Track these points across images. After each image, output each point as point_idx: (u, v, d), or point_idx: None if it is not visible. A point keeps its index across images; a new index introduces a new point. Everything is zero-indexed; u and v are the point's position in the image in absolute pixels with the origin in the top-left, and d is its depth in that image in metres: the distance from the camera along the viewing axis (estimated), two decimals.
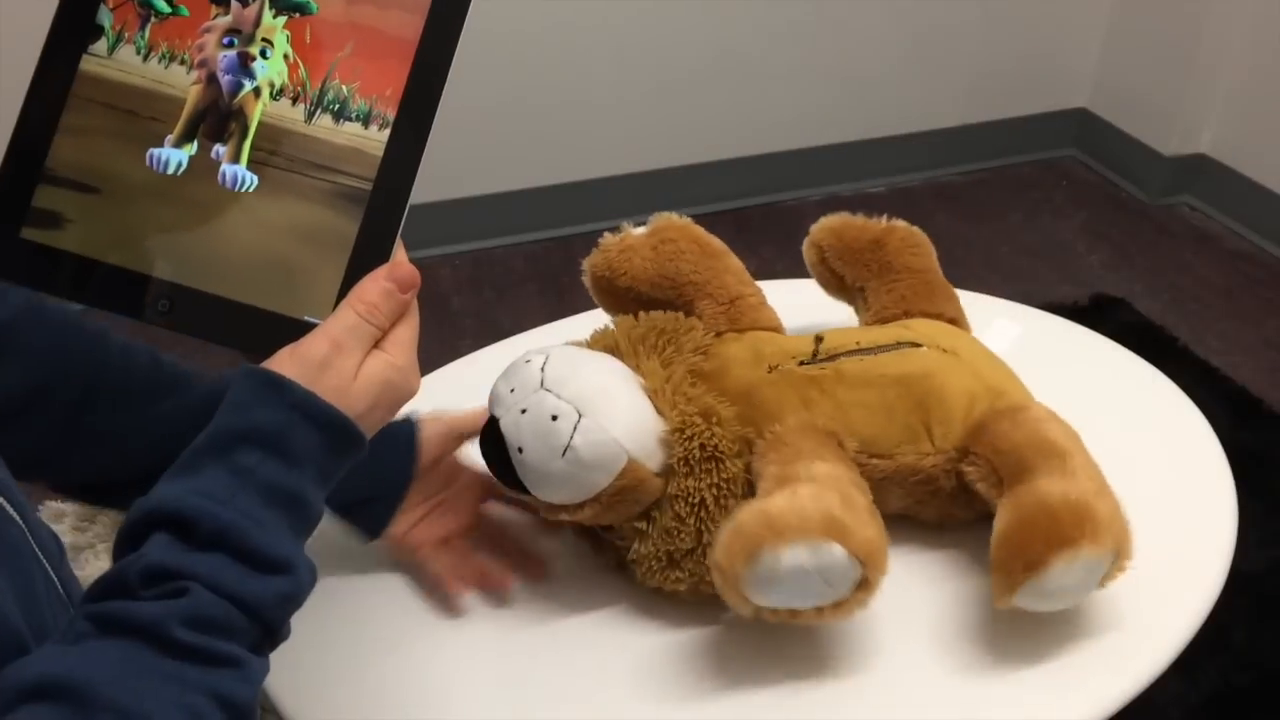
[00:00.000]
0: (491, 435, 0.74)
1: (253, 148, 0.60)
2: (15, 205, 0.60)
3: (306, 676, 0.73)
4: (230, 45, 0.61)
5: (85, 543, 1.62)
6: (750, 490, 0.74)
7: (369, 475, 0.68)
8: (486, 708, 0.74)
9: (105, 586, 0.53)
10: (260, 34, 0.61)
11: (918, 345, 0.81)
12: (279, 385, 0.56)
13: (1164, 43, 2.47)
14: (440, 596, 0.79)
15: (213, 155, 0.60)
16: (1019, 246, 2.42)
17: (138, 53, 0.61)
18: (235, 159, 0.60)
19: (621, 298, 0.87)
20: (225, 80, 0.61)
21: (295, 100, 0.61)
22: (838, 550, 0.66)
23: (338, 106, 0.61)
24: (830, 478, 0.71)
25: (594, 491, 0.72)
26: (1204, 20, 2.37)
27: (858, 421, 0.77)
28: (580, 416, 0.71)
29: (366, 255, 0.60)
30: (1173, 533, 0.79)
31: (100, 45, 0.61)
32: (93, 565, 1.54)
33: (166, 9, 0.61)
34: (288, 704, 0.72)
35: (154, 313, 0.60)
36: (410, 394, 0.61)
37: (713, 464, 0.74)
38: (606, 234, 0.89)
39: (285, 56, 0.61)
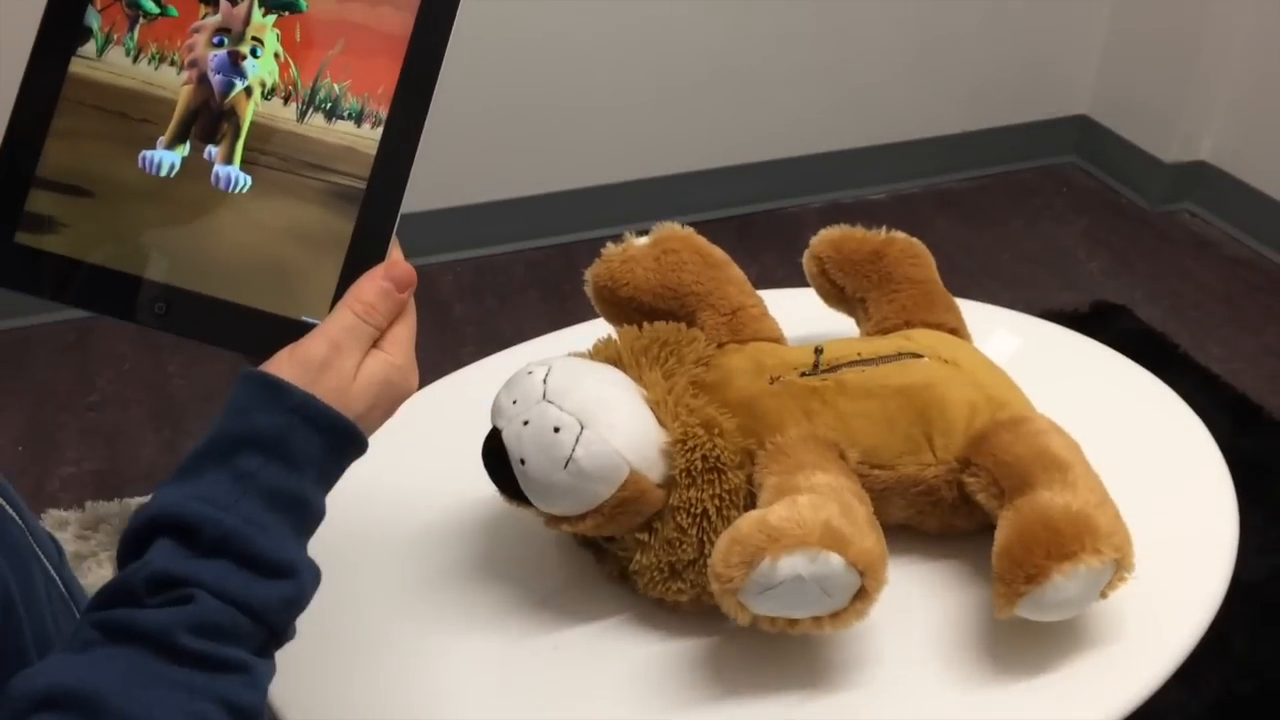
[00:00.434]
0: (494, 447, 0.74)
1: (245, 148, 0.60)
2: (7, 210, 0.60)
3: (308, 686, 0.74)
4: (220, 45, 0.61)
5: (88, 550, 1.62)
6: (752, 501, 0.74)
7: None
8: (489, 717, 0.74)
9: (111, 594, 0.53)
10: (250, 33, 0.61)
11: (919, 356, 0.81)
12: (278, 388, 0.56)
13: (1164, 50, 2.47)
14: (444, 604, 0.79)
15: (205, 156, 0.60)
16: (1020, 253, 2.42)
17: (127, 54, 0.61)
18: (228, 160, 0.60)
19: (624, 308, 0.88)
20: (216, 80, 0.60)
21: (287, 99, 0.60)
22: (836, 560, 0.66)
23: (330, 105, 0.60)
24: (830, 488, 0.71)
25: (596, 503, 0.72)
26: (1204, 28, 2.37)
27: (859, 432, 0.78)
28: (582, 428, 0.71)
29: (362, 254, 0.59)
30: (1174, 542, 0.79)
31: (89, 47, 0.60)
32: (95, 573, 1.54)
33: (155, 9, 0.61)
34: (290, 714, 0.72)
35: (150, 316, 0.60)
36: (409, 392, 0.61)
37: (714, 475, 0.74)
38: (609, 244, 0.89)
39: (276, 55, 0.61)
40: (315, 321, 0.59)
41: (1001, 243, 2.46)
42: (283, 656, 0.57)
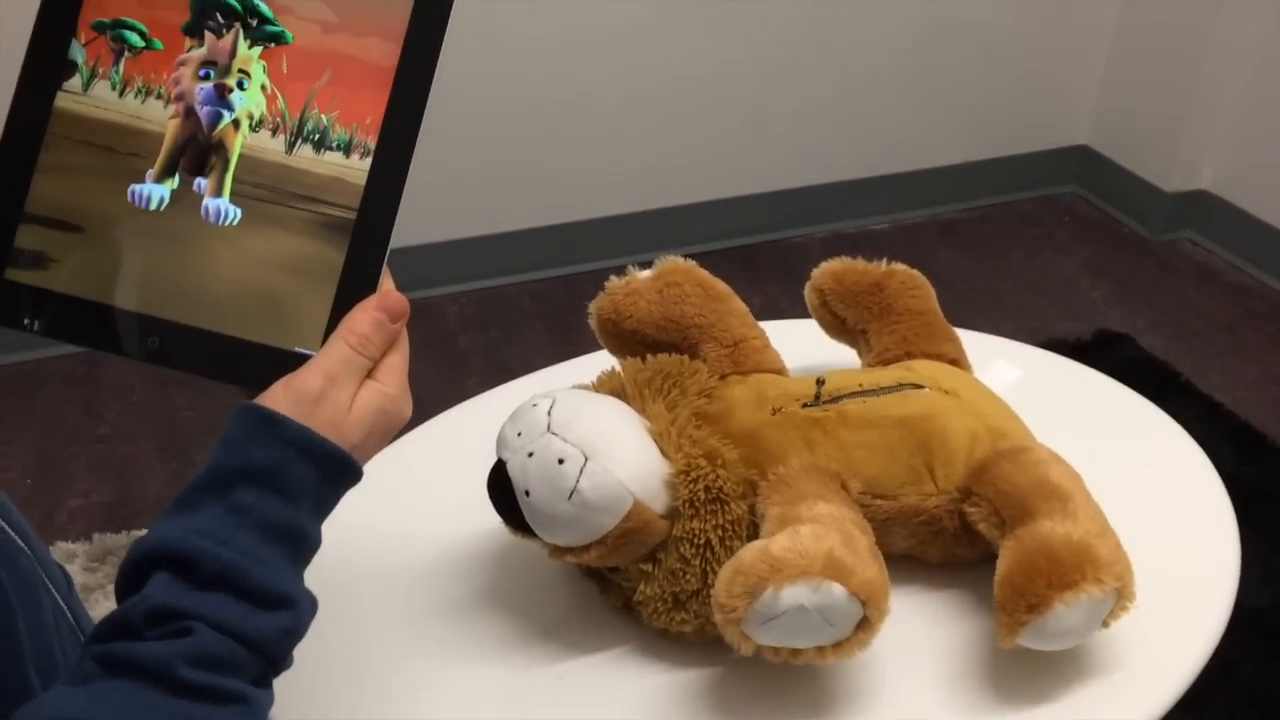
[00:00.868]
0: (498, 478, 0.75)
1: (235, 180, 0.60)
2: None
3: (312, 716, 0.74)
4: (207, 77, 0.61)
5: (95, 583, 1.62)
6: (755, 532, 0.75)
7: None
8: None
9: (110, 627, 0.54)
10: (236, 65, 0.61)
11: (920, 387, 0.82)
12: (273, 421, 0.56)
13: (1164, 80, 2.49)
14: (448, 635, 0.80)
15: (195, 189, 0.60)
16: (1022, 282, 2.43)
17: (113, 88, 0.60)
18: (218, 192, 0.60)
19: (627, 340, 0.89)
20: (203, 112, 0.60)
21: (275, 131, 0.60)
22: (838, 590, 0.66)
23: (318, 136, 0.60)
24: (832, 518, 0.71)
25: (600, 534, 0.73)
26: (1203, 57, 2.39)
27: (861, 463, 0.78)
28: (586, 460, 0.72)
29: (354, 284, 0.60)
30: (1176, 570, 0.79)
31: (75, 82, 0.60)
32: (103, 605, 1.54)
33: (140, 43, 0.61)
34: None
35: (143, 349, 0.60)
36: (403, 420, 0.61)
37: (718, 506, 0.75)
38: (612, 277, 0.90)
39: (263, 87, 0.61)
40: (309, 352, 0.59)
41: (1004, 272, 2.47)
42: (287, 686, 0.57)
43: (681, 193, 2.48)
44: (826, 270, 0.95)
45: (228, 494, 0.55)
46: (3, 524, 0.64)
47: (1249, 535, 0.85)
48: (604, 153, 2.40)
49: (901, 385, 0.82)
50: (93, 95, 0.60)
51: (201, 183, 0.60)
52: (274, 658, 0.55)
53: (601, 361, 0.87)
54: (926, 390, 0.82)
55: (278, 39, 0.61)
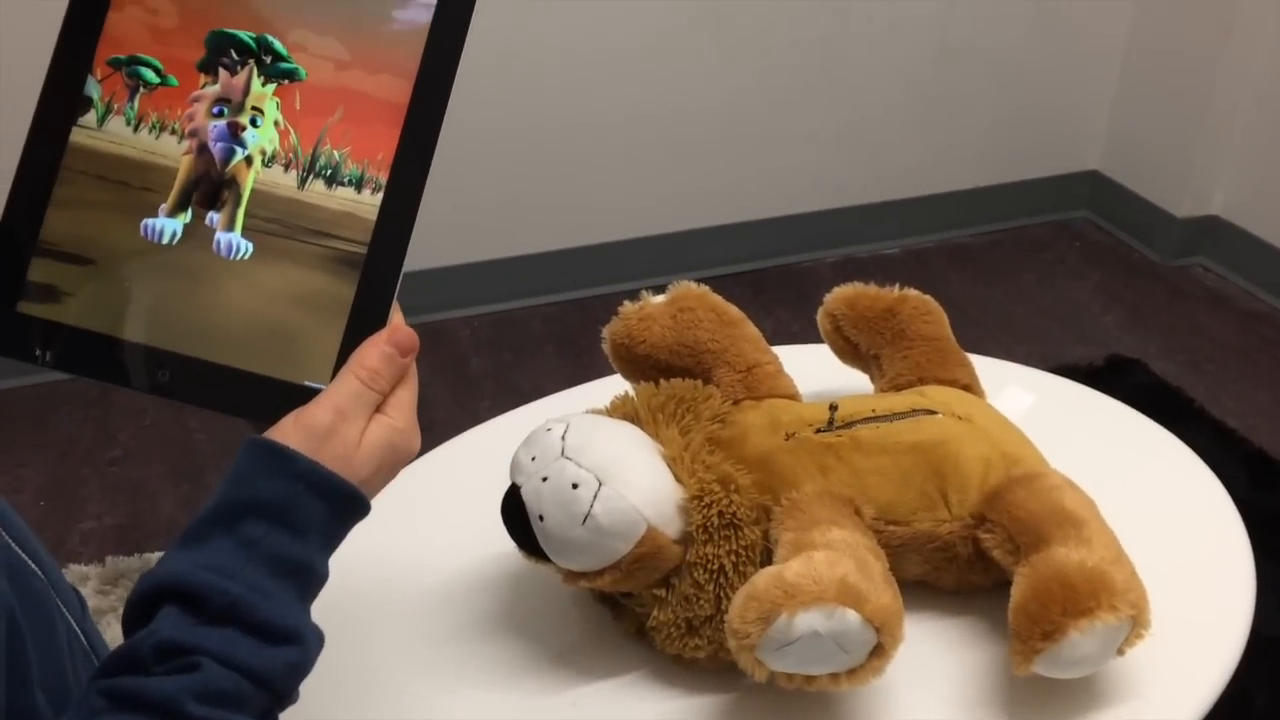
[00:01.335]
0: (512, 503, 0.75)
1: (247, 215, 0.60)
2: (10, 280, 0.60)
3: None
4: (220, 114, 0.61)
5: (108, 605, 1.62)
6: (768, 557, 0.75)
7: None
8: None
9: (118, 662, 0.54)
10: (250, 102, 0.61)
11: (933, 412, 0.82)
12: (283, 455, 0.57)
13: (1174, 105, 2.49)
14: (461, 659, 0.80)
15: (207, 223, 0.60)
16: (1034, 308, 2.43)
17: (128, 124, 0.61)
18: (230, 227, 0.61)
19: (640, 365, 0.89)
20: (217, 149, 0.61)
21: (287, 167, 0.61)
22: (852, 616, 0.66)
23: (330, 172, 0.61)
24: (846, 544, 0.71)
25: (614, 559, 0.73)
26: (1214, 83, 2.40)
27: (874, 488, 0.78)
28: (600, 485, 0.72)
29: (364, 318, 0.60)
30: (1191, 598, 0.79)
31: (90, 117, 0.61)
32: (115, 628, 1.53)
33: (155, 79, 0.61)
34: None
35: (154, 383, 0.60)
36: (411, 454, 0.62)
37: (731, 531, 0.75)
38: (626, 302, 0.90)
39: (276, 124, 0.61)
40: (318, 386, 0.59)
41: (1015, 297, 2.46)
42: (298, 713, 0.57)
43: (693, 217, 2.49)
44: (839, 295, 0.95)
45: (236, 528, 0.56)
46: (16, 547, 0.64)
47: (1263, 562, 0.84)
48: (616, 177, 2.41)
49: (915, 411, 0.82)
50: (107, 130, 0.61)
51: (214, 217, 0.61)
52: (280, 692, 0.56)
53: (614, 386, 0.88)
54: (940, 416, 0.82)
55: (291, 76, 0.61)
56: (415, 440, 0.62)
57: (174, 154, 0.61)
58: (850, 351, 0.95)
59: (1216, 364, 2.23)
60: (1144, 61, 2.56)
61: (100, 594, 1.65)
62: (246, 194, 0.61)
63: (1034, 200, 2.71)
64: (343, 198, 0.61)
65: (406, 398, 0.61)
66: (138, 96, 0.61)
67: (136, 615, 0.55)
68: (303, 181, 0.61)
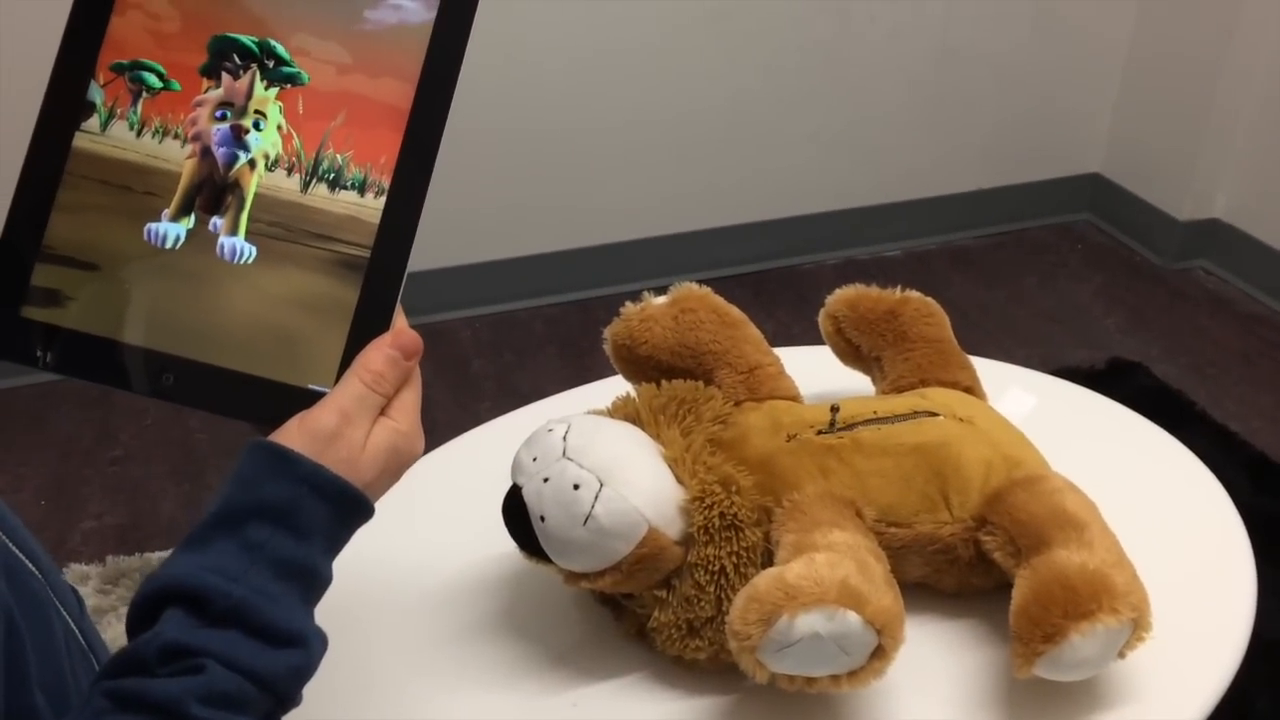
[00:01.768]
0: (514, 503, 0.75)
1: (250, 219, 0.61)
2: (14, 284, 0.60)
3: None
4: (223, 118, 0.61)
5: (108, 605, 1.62)
6: (769, 559, 0.75)
7: None
8: None
9: (122, 663, 0.54)
10: (253, 106, 0.61)
11: (934, 414, 0.82)
12: (287, 458, 0.57)
13: (1176, 108, 2.50)
14: (462, 660, 0.80)
15: (210, 228, 0.61)
16: (1035, 310, 2.43)
17: (131, 128, 0.61)
18: (233, 231, 0.61)
19: (642, 366, 0.89)
20: (220, 153, 0.61)
21: (290, 170, 0.61)
22: (853, 618, 0.66)
23: (333, 175, 0.61)
24: (847, 546, 0.71)
25: (615, 560, 0.73)
26: (1216, 85, 2.40)
27: (875, 490, 0.78)
28: (602, 485, 0.72)
29: (368, 322, 0.60)
30: (1192, 601, 0.79)
31: (93, 122, 0.61)
32: (115, 628, 1.54)
33: (158, 84, 0.61)
34: None
35: (158, 387, 0.60)
36: (415, 457, 0.62)
37: (732, 532, 0.75)
38: (628, 303, 0.90)
39: (279, 127, 0.61)
40: (322, 390, 0.59)
41: (1016, 300, 2.46)
42: (300, 715, 0.57)
43: (694, 219, 2.49)
44: (841, 297, 0.95)
45: (240, 531, 0.56)
46: (13, 548, 0.64)
47: (1264, 565, 0.84)
48: (618, 178, 2.41)
49: (916, 413, 0.82)
50: (110, 135, 0.61)
51: (217, 221, 0.61)
52: (283, 695, 0.56)
53: (615, 387, 0.88)
54: (941, 418, 0.82)
55: (294, 80, 0.61)
56: (419, 443, 0.62)
57: (177, 158, 0.61)
58: (852, 353, 0.95)
59: (1218, 367, 2.23)
60: (1146, 64, 2.56)
61: (101, 593, 1.65)
62: (250, 198, 0.61)
63: (1036, 203, 2.71)
64: (346, 201, 0.61)
65: (410, 401, 0.61)
66: (141, 101, 0.61)
67: (140, 617, 0.55)
68: (306, 185, 0.61)
